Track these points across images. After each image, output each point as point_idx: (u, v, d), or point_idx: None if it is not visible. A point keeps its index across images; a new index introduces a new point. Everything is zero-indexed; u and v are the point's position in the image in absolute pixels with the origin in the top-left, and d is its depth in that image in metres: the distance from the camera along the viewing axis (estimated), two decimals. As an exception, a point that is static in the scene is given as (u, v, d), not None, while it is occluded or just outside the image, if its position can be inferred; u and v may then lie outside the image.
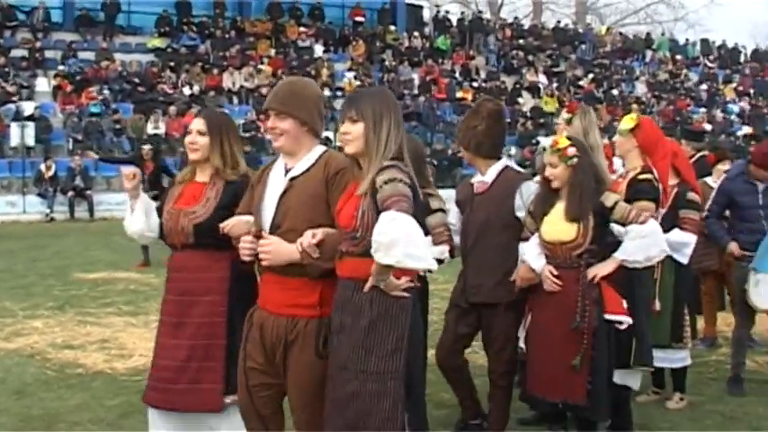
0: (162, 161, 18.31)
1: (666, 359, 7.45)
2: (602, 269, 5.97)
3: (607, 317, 5.92)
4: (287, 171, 5.03)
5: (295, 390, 4.85)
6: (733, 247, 8.26)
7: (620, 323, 5.98)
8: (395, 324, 4.50)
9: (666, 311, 7.32)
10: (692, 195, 7.37)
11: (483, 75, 42.22)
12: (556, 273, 6.01)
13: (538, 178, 6.76)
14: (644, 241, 5.93)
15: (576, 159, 6.02)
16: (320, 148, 5.08)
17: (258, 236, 4.90)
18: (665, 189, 7.07)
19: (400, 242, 4.18)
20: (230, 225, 5.09)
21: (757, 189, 8.39)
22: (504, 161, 6.74)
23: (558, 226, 6.03)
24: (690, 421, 7.39)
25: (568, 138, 6.21)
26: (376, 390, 4.46)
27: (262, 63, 36.70)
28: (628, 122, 7.13)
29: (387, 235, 4.19)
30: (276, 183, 5.06)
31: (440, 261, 6.49)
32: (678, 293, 7.39)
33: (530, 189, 6.43)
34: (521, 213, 6.37)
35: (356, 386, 4.48)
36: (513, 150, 33.24)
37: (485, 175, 6.64)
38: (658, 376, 7.87)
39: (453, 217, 6.85)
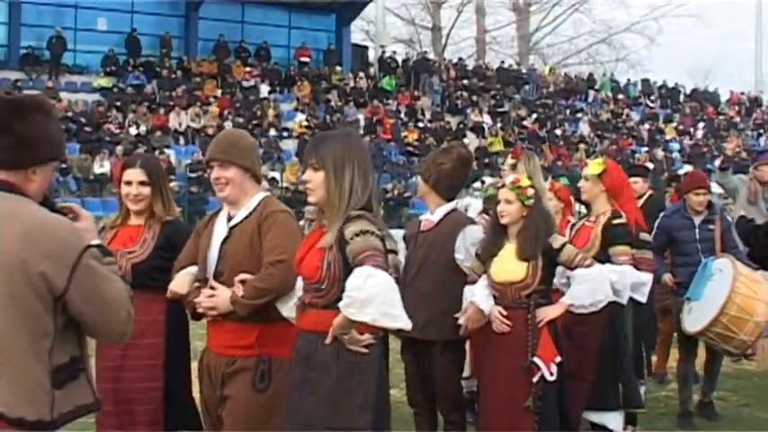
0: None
1: None
2: (550, 312, 6.08)
3: (535, 360, 5.97)
4: (230, 219, 5.18)
5: (228, 418, 4.96)
6: (666, 278, 8.51)
7: (540, 369, 6.00)
8: (363, 379, 4.47)
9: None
10: (644, 236, 7.50)
11: (428, 115, 42.38)
12: (505, 313, 6.10)
13: (478, 218, 6.98)
14: (590, 285, 6.04)
15: (532, 201, 6.16)
16: (260, 195, 5.21)
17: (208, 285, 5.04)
18: (630, 232, 7.15)
19: (376, 300, 4.11)
20: (175, 284, 5.21)
21: (694, 224, 8.70)
22: (453, 204, 6.89)
23: (507, 266, 6.13)
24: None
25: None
26: None
27: (208, 103, 36.62)
28: (595, 168, 7.24)
29: (363, 291, 4.11)
30: (220, 231, 5.20)
31: None
32: (637, 332, 7.57)
33: (474, 233, 6.59)
34: (459, 255, 6.51)
35: None
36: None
37: (433, 214, 6.80)
38: None
39: (402, 254, 7.04)
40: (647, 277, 7.39)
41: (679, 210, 8.84)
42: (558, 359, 6.06)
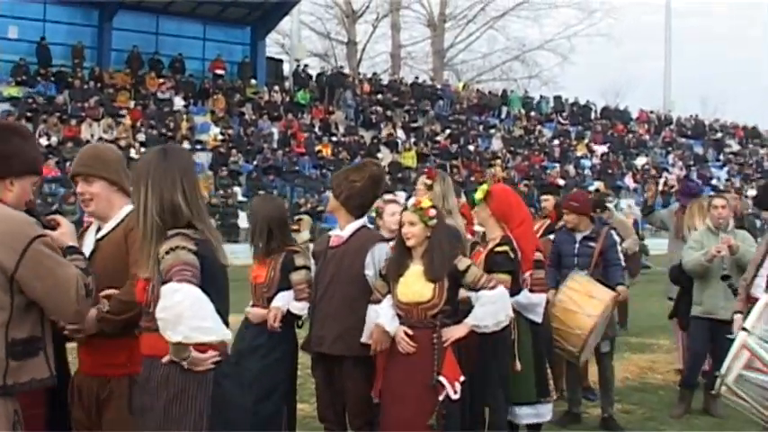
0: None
1: (535, 415, 7.60)
2: (455, 333, 6.13)
3: (440, 379, 6.01)
4: (98, 232, 5.11)
5: None
6: (549, 294, 8.69)
7: (445, 388, 6.03)
8: (193, 404, 4.34)
9: (529, 369, 7.45)
10: (537, 255, 7.52)
11: (342, 129, 42.49)
12: (411, 333, 6.13)
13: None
14: (494, 307, 6.14)
15: (435, 221, 6.21)
16: (129, 207, 5.04)
17: None
18: (526, 255, 7.18)
19: (184, 316, 4.03)
20: None
21: (575, 239, 9.04)
22: (362, 221, 6.92)
23: (413, 287, 6.15)
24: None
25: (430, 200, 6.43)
26: None
27: (121, 115, 36.25)
28: (479, 193, 7.27)
29: (170, 310, 4.05)
30: (88, 245, 5.08)
31: (299, 317, 6.85)
32: (537, 351, 7.55)
33: (382, 251, 6.63)
34: (369, 272, 6.56)
35: None
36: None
37: (342, 230, 6.84)
38: None
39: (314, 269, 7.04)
40: (539, 298, 7.48)
41: (564, 226, 9.19)
42: (462, 378, 6.12)
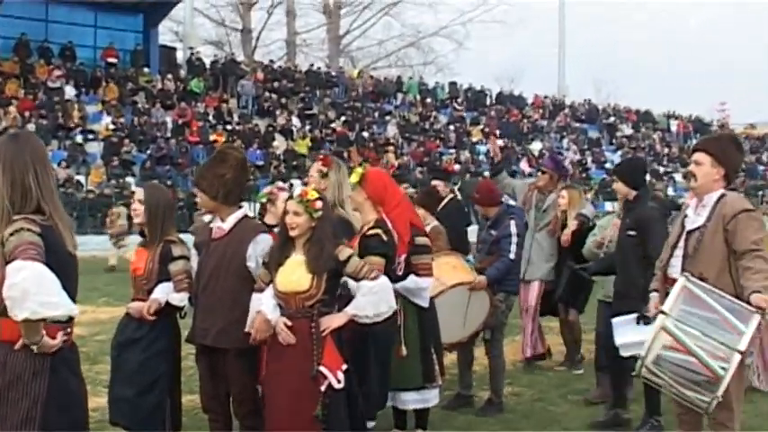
0: None
1: (421, 400, 7.69)
2: (334, 321, 6.11)
3: (321, 369, 6.01)
4: None
5: None
6: None
7: (326, 378, 6.03)
8: (27, 391, 4.38)
9: (415, 355, 7.51)
10: (421, 240, 7.56)
11: (236, 117, 42.32)
12: (290, 324, 6.11)
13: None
14: (375, 297, 6.11)
15: (320, 213, 6.18)
16: None
17: None
18: (402, 237, 7.19)
19: (30, 292, 4.07)
20: None
21: (482, 227, 9.17)
22: (244, 210, 6.87)
23: (292, 276, 6.13)
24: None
25: (317, 191, 6.38)
26: None
27: (10, 104, 35.55)
28: (354, 176, 7.25)
29: (16, 288, 4.08)
30: None
31: (180, 308, 6.76)
32: (424, 336, 7.61)
33: (265, 242, 6.60)
34: (251, 264, 6.53)
35: None
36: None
37: (224, 222, 6.78)
38: (400, 417, 8.02)
39: (194, 260, 6.97)
40: (426, 282, 7.54)
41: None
42: (345, 366, 6.12)
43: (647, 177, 8.57)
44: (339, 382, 6.03)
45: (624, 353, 7.91)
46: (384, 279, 6.22)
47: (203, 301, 6.70)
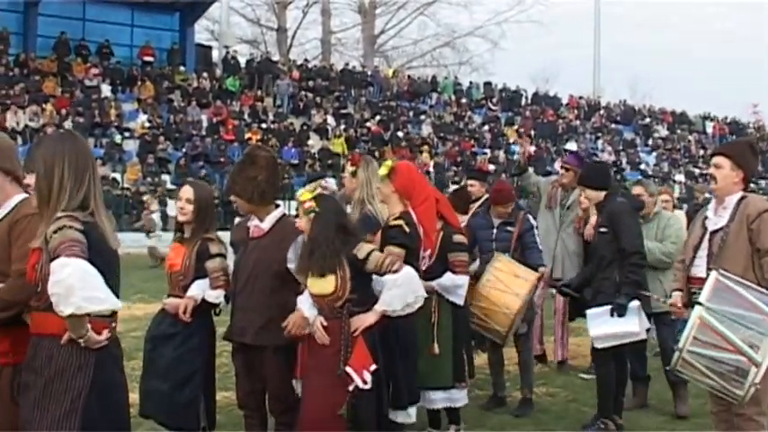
0: None
1: (449, 399, 7.68)
2: (365, 321, 6.11)
3: (347, 369, 6.00)
4: None
5: None
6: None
7: (353, 380, 6.01)
8: (70, 385, 4.42)
9: (447, 353, 7.53)
10: (458, 237, 7.62)
11: (271, 116, 42.35)
12: (326, 324, 6.14)
13: None
14: (400, 290, 6.07)
15: (313, 213, 6.20)
16: (18, 198, 5.11)
17: None
18: (428, 232, 7.21)
19: (76, 288, 4.12)
20: None
21: (492, 225, 9.10)
22: (281, 209, 6.89)
23: (319, 279, 6.16)
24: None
25: (317, 192, 6.43)
26: None
27: (47, 102, 35.78)
28: (384, 169, 7.26)
29: (61, 284, 4.12)
30: None
31: (216, 305, 6.78)
32: (457, 335, 7.63)
33: None
34: (291, 266, 6.52)
35: None
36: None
37: (263, 222, 6.79)
38: (435, 417, 8.03)
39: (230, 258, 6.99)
40: (462, 279, 7.58)
41: (483, 211, 9.28)
42: (374, 367, 6.08)
43: (612, 176, 8.65)
44: (366, 383, 6.02)
45: (598, 344, 7.96)
46: (407, 269, 6.15)
47: (242, 299, 6.73)
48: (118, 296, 4.53)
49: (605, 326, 7.90)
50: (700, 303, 6.25)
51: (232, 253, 7.05)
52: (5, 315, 4.78)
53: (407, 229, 6.87)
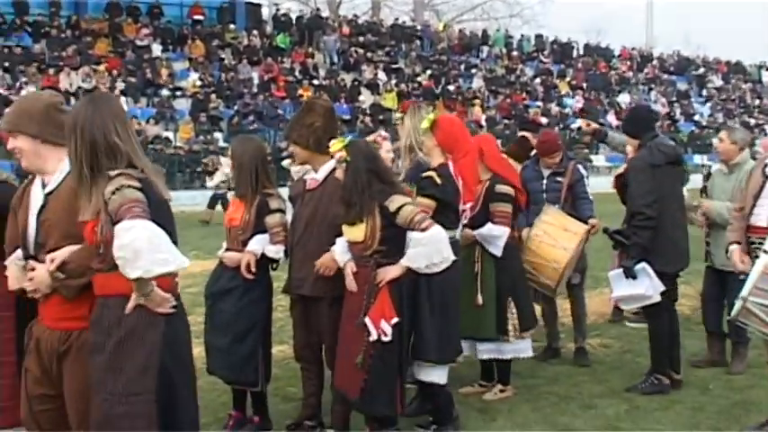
0: None
1: (496, 350, 7.71)
2: (389, 273, 6.11)
3: (366, 320, 6.04)
4: (44, 186, 4.98)
5: (70, 401, 4.76)
6: (524, 231, 8.67)
7: (370, 331, 6.06)
8: (143, 341, 4.41)
9: (490, 304, 7.53)
10: (502, 188, 7.60)
11: (322, 72, 42.32)
12: (355, 270, 6.22)
13: None
14: (425, 249, 6.01)
15: (345, 163, 6.24)
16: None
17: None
18: (468, 185, 7.17)
19: (143, 251, 4.07)
20: (10, 279, 5.00)
21: (542, 175, 9.06)
22: (334, 161, 6.79)
23: (353, 226, 6.22)
24: (526, 403, 7.75)
25: (349, 141, 6.45)
26: (124, 412, 4.37)
27: (99, 63, 36.02)
28: (425, 122, 7.19)
29: (128, 248, 4.07)
30: (36, 201, 4.98)
31: (275, 260, 6.82)
32: (500, 287, 7.60)
33: None
34: None
35: (106, 409, 4.40)
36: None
37: (317, 173, 6.83)
38: (488, 370, 8.13)
39: (289, 213, 7.01)
40: (500, 230, 7.56)
41: (534, 162, 9.24)
42: (395, 320, 6.10)
43: (645, 122, 8.33)
44: (385, 334, 6.05)
45: (623, 306, 7.85)
46: (435, 230, 6.05)
47: (299, 251, 6.77)
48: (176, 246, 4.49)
49: (623, 287, 7.85)
50: (766, 251, 6.17)
51: (291, 208, 7.07)
52: (83, 281, 4.72)
53: (439, 181, 6.81)
